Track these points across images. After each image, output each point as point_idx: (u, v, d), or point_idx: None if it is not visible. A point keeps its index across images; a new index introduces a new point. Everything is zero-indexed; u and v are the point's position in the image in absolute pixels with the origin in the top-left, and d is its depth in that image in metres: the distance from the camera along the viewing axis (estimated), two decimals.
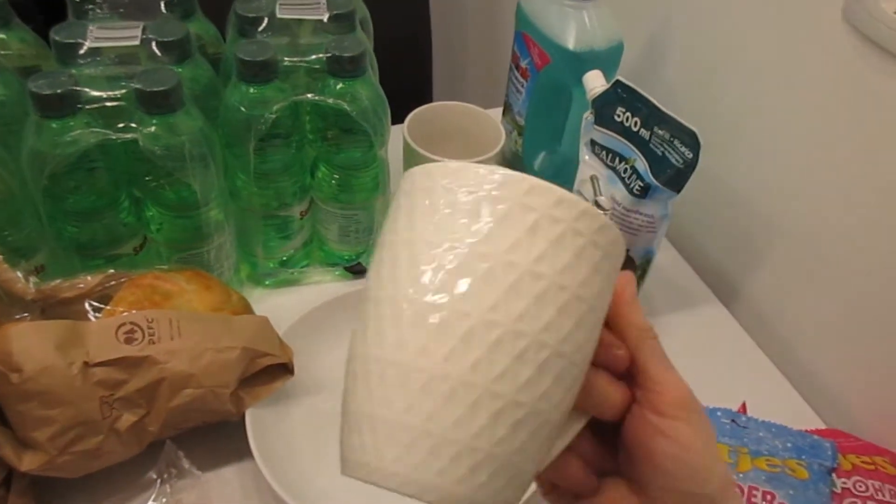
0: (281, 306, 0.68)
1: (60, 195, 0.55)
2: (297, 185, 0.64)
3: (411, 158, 0.71)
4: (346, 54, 0.57)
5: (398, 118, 0.65)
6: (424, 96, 1.17)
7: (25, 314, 0.51)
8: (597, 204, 0.58)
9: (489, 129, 0.73)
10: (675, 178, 0.58)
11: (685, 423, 0.32)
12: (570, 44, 0.65)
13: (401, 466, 0.26)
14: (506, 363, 0.26)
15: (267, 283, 0.70)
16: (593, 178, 0.61)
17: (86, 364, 0.49)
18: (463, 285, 0.26)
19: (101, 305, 0.53)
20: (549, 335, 0.26)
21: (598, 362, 0.31)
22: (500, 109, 0.81)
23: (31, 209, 0.57)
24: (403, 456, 0.26)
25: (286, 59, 0.59)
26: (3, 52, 0.60)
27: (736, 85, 0.71)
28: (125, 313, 0.52)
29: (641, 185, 0.60)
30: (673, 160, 0.58)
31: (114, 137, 0.53)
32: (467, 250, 0.26)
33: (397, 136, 0.69)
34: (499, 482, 0.27)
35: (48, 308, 0.53)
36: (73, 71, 0.56)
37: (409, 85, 1.02)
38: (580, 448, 0.33)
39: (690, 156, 0.57)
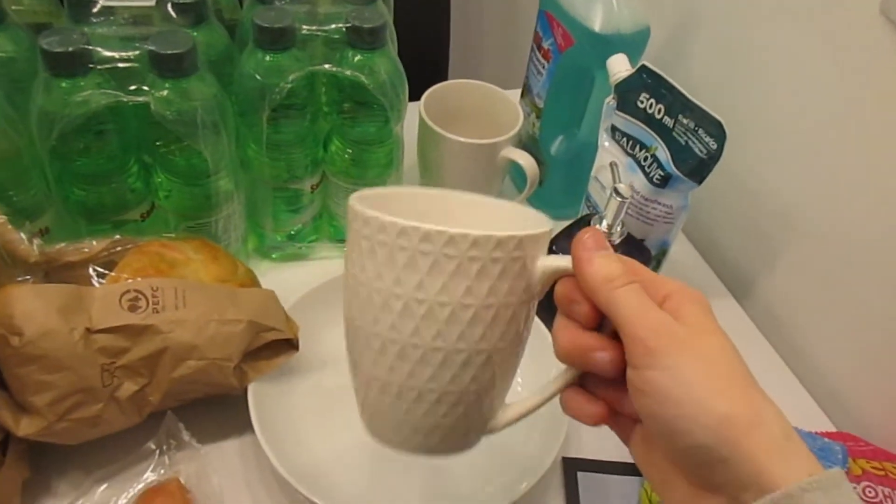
0: (287, 281, 0.67)
1: (68, 157, 0.54)
2: (310, 157, 0.63)
3: (427, 137, 0.69)
4: (366, 25, 0.56)
5: (413, 94, 0.63)
6: (440, 73, 1.15)
7: (28, 277, 0.50)
8: (615, 191, 0.56)
9: (507, 110, 0.72)
10: (698, 169, 0.57)
11: (657, 371, 0.29)
12: (596, 26, 0.63)
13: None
14: (432, 369, 0.33)
15: (274, 256, 0.69)
16: (612, 165, 0.59)
17: (88, 330, 0.48)
18: (389, 320, 0.33)
19: (106, 272, 0.52)
20: (444, 341, 0.33)
21: (576, 321, 0.33)
22: (518, 91, 0.79)
23: (38, 170, 0.56)
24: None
25: (304, 27, 0.57)
26: (14, 7, 0.58)
27: (764, 77, 0.69)
28: (129, 280, 0.51)
29: (662, 174, 0.59)
30: (696, 150, 0.56)
31: (125, 100, 0.52)
32: (388, 293, 0.33)
33: (412, 113, 0.67)
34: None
35: (51, 272, 0.52)
36: (86, 29, 0.54)
37: (425, 60, 1.00)
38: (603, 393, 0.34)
39: (715, 146, 0.55)
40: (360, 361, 0.36)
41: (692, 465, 0.30)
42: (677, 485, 0.31)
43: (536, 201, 0.74)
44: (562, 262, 0.33)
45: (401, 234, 0.32)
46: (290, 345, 0.55)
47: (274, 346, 0.55)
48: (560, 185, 0.74)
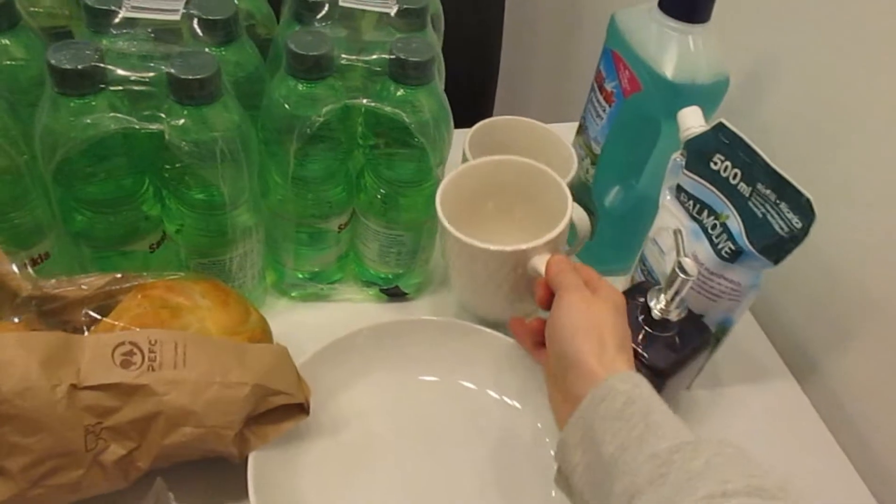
0: (305, 324, 0.62)
1: (72, 181, 0.49)
2: (339, 195, 0.57)
3: None
4: (412, 59, 0.50)
5: (457, 120, 0.57)
6: (487, 99, 1.08)
7: (14, 318, 0.45)
8: (679, 266, 0.49)
9: (559, 153, 0.65)
10: (775, 248, 0.50)
11: (559, 307, 0.48)
12: (669, 72, 0.56)
13: None
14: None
15: (293, 294, 0.63)
16: (677, 234, 0.52)
17: (73, 387, 0.42)
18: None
19: (99, 317, 0.46)
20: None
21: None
22: (564, 125, 0.72)
23: (40, 191, 0.51)
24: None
25: (343, 55, 0.51)
26: (31, 9, 0.54)
27: (852, 138, 0.61)
28: (126, 330, 0.46)
29: (732, 247, 0.52)
30: (776, 226, 0.49)
31: (137, 126, 0.47)
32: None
33: (457, 143, 0.60)
34: None
35: (46, 313, 0.47)
36: (104, 41, 0.49)
37: (472, 84, 0.94)
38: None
39: (799, 226, 0.48)
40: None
41: (560, 376, 0.47)
42: (560, 402, 0.47)
43: (584, 254, 0.68)
44: (540, 265, 0.53)
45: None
46: (300, 409, 0.50)
47: (282, 408, 0.49)
48: (611, 240, 0.67)
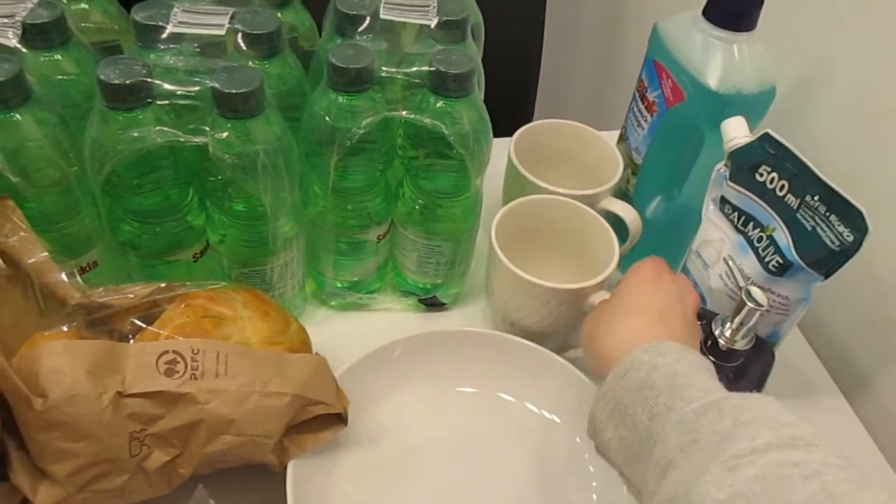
0: (344, 332, 0.62)
1: (120, 192, 0.50)
2: (378, 206, 0.57)
3: (517, 183, 0.62)
4: (451, 71, 0.50)
5: (496, 128, 0.57)
6: (527, 111, 1.08)
7: (63, 327, 0.46)
8: (748, 294, 0.48)
9: (605, 156, 0.65)
10: (826, 261, 0.49)
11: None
12: (713, 82, 0.55)
13: None
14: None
15: (333, 303, 0.64)
16: (728, 261, 0.51)
17: (119, 394, 0.43)
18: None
19: (144, 325, 0.47)
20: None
21: None
22: (605, 133, 0.72)
23: (89, 201, 0.52)
24: None
25: (384, 67, 0.51)
26: (82, 24, 0.55)
27: None
28: (169, 339, 0.46)
29: (780, 261, 0.51)
30: (826, 239, 0.48)
31: (182, 140, 0.47)
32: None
33: (497, 149, 0.60)
34: None
35: (95, 322, 0.48)
36: (152, 56, 0.50)
37: (511, 96, 0.94)
38: None
39: (851, 239, 0.47)
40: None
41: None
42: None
43: (624, 265, 0.67)
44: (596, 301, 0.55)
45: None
46: (339, 419, 0.50)
47: (320, 418, 0.49)
48: (651, 251, 0.65)
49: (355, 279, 0.63)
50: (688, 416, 0.37)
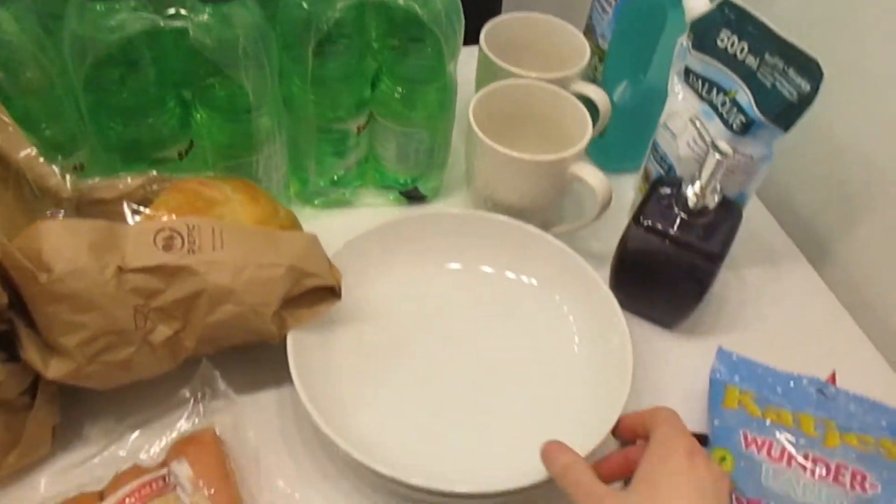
0: (330, 228, 0.63)
1: (102, 88, 0.51)
2: (356, 96, 0.58)
3: (489, 72, 0.64)
4: None
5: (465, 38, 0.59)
6: (493, 9, 1.09)
7: (60, 210, 0.47)
8: (714, 146, 0.50)
9: (572, 44, 0.67)
10: (786, 114, 0.51)
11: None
12: None
13: None
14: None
15: (316, 202, 0.66)
16: (694, 121, 0.53)
17: (120, 269, 0.44)
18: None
19: (140, 209, 0.49)
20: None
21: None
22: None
23: (72, 102, 0.53)
24: None
25: None
26: None
27: (863, 15, 0.62)
28: (165, 218, 0.48)
29: (743, 120, 0.53)
30: (786, 92, 0.51)
31: (162, 24, 0.48)
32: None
33: (465, 57, 0.62)
34: None
35: (83, 207, 0.49)
36: None
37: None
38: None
39: (808, 88, 0.50)
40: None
41: None
42: None
43: (595, 153, 0.69)
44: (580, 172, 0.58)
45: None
46: (333, 293, 0.52)
47: (315, 293, 0.51)
48: (621, 136, 0.69)
49: (337, 176, 0.64)
50: None
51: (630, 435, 0.45)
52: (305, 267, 0.49)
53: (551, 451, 0.43)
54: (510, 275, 0.60)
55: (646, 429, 0.43)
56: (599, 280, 0.55)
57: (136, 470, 0.45)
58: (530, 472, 0.44)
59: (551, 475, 0.42)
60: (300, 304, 0.51)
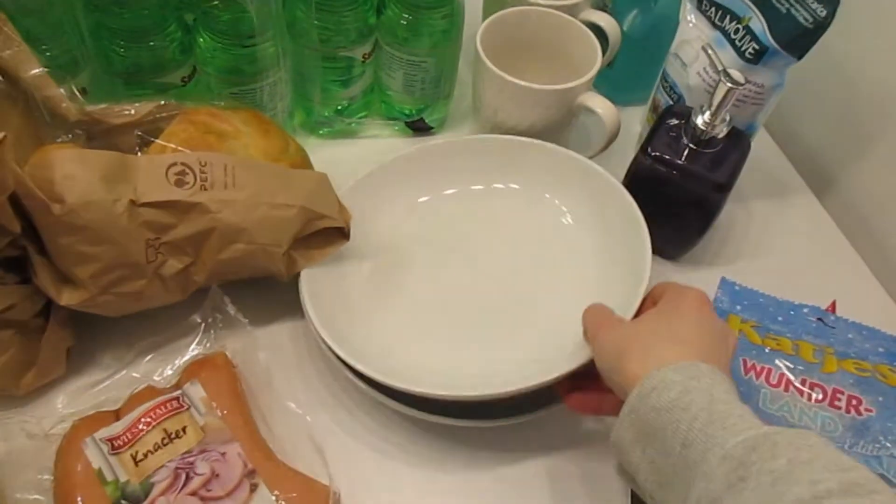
0: (336, 159, 0.63)
1: (102, 9, 0.50)
2: (361, 22, 0.57)
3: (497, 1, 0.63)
4: None
5: None
6: None
7: (69, 136, 0.47)
8: (726, 74, 0.50)
9: None
10: (800, 41, 0.51)
11: (593, 343, 0.43)
12: None
13: None
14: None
15: (322, 132, 0.65)
16: (706, 48, 0.52)
17: (132, 202, 0.44)
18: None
19: (151, 138, 0.48)
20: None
21: None
22: None
23: (73, 23, 0.51)
24: None
25: None
26: None
27: None
28: (177, 152, 0.47)
29: (756, 48, 0.53)
30: (801, 18, 0.50)
31: None
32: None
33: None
34: None
35: (93, 134, 0.48)
36: None
37: None
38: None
39: (823, 13, 0.49)
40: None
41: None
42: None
43: (603, 84, 0.68)
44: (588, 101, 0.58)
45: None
46: (342, 233, 0.52)
47: (324, 233, 0.51)
48: (631, 67, 0.68)
49: (342, 106, 0.63)
50: (735, 448, 0.33)
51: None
52: (316, 208, 0.49)
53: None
54: (499, 185, 0.59)
55: (654, 300, 0.45)
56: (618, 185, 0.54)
57: (151, 391, 0.47)
58: (545, 374, 0.45)
59: (584, 325, 0.45)
60: (310, 244, 0.51)
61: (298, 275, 0.51)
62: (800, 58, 0.52)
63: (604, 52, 0.62)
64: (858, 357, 0.53)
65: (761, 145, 0.70)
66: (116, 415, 0.45)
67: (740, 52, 0.54)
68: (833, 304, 0.57)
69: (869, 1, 0.61)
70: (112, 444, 0.43)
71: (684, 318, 0.41)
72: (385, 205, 0.58)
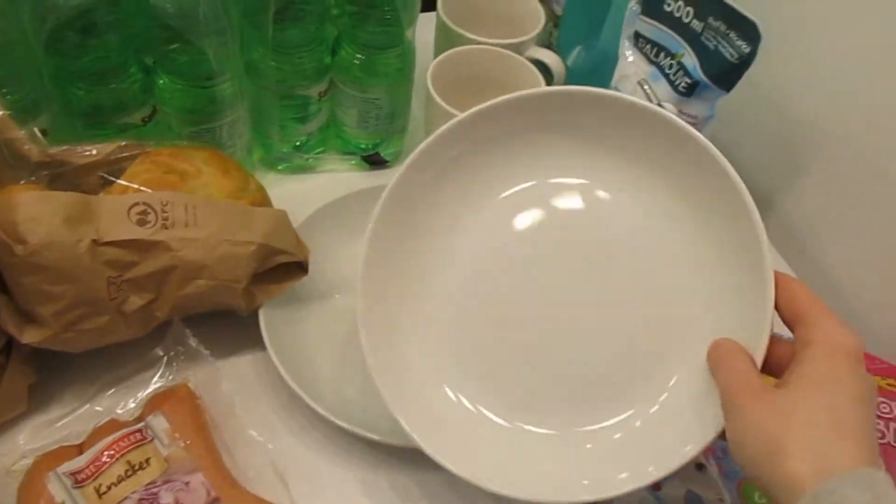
0: (294, 194, 0.65)
1: (63, 53, 0.51)
2: (317, 62, 0.59)
3: (447, 39, 0.66)
4: None
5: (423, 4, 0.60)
6: None
7: (32, 178, 0.48)
8: (661, 108, 0.53)
9: (527, 10, 0.68)
10: (727, 75, 0.54)
11: (729, 414, 0.36)
12: None
13: None
14: None
15: (280, 167, 0.67)
16: (642, 84, 0.56)
17: (95, 242, 0.45)
18: None
19: (113, 179, 0.49)
20: None
21: None
22: None
23: (33, 66, 0.53)
24: None
25: None
26: None
27: None
28: (139, 192, 0.49)
29: (689, 81, 0.56)
30: (727, 54, 0.54)
31: None
32: None
33: (423, 25, 0.63)
34: None
35: (56, 176, 0.50)
36: None
37: None
38: None
39: (747, 50, 0.52)
40: None
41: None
42: None
43: None
44: None
45: None
46: (300, 267, 0.54)
47: (283, 267, 0.53)
48: None
49: (300, 142, 0.66)
50: None
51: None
52: (275, 244, 0.51)
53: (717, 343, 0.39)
54: None
55: (799, 319, 0.38)
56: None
57: (114, 424, 0.48)
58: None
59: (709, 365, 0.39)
60: (269, 279, 0.52)
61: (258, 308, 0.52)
62: (728, 90, 0.55)
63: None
64: None
65: None
66: (79, 449, 0.46)
67: (674, 86, 0.57)
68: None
69: (791, 36, 0.66)
70: (75, 478, 0.44)
71: (849, 394, 0.34)
72: (339, 239, 0.59)
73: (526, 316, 0.45)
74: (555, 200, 0.47)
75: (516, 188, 0.48)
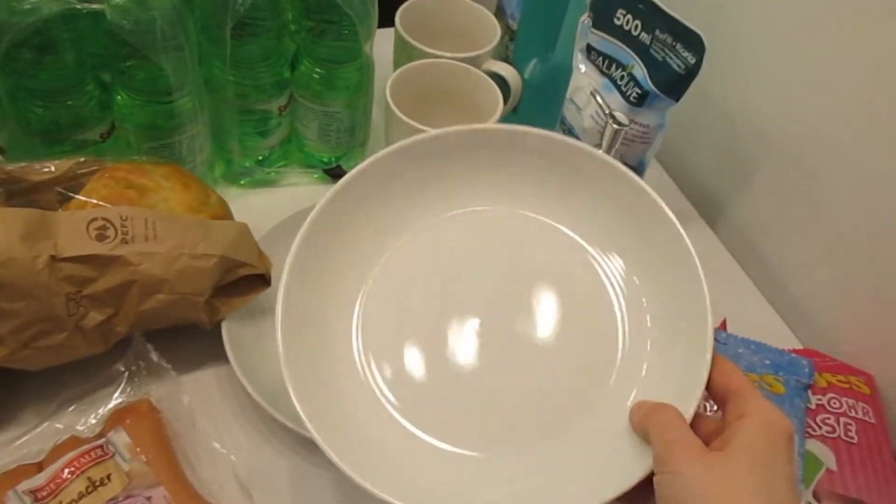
0: (256, 208, 0.65)
1: (20, 71, 0.51)
2: (276, 76, 0.60)
3: (405, 53, 0.67)
4: None
5: (381, 20, 0.61)
6: None
7: None
8: (613, 118, 0.55)
9: (483, 25, 0.70)
10: (675, 85, 0.56)
11: (664, 476, 0.35)
12: None
13: None
14: None
15: (242, 182, 0.67)
16: (594, 95, 0.58)
17: (53, 258, 0.45)
18: None
19: (72, 195, 0.49)
20: None
21: None
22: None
23: None
24: None
25: None
26: None
27: None
28: (97, 207, 0.49)
29: (639, 92, 0.58)
30: (674, 66, 0.55)
31: (79, 7, 0.49)
32: None
33: (382, 40, 0.65)
34: None
35: (14, 192, 0.49)
36: None
37: None
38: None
39: (693, 61, 0.54)
40: None
41: None
42: None
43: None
44: None
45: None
46: (263, 280, 0.54)
47: (246, 280, 0.53)
48: (533, 111, 0.73)
49: (261, 156, 0.66)
50: None
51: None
52: (236, 256, 0.51)
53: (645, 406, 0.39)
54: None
55: (732, 393, 0.38)
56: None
57: (74, 441, 0.47)
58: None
59: (643, 431, 0.38)
60: (231, 292, 0.53)
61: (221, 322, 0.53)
62: (677, 99, 0.57)
63: (506, 100, 0.66)
64: (747, 369, 0.57)
65: (657, 179, 0.76)
66: (39, 466, 0.45)
67: (626, 97, 0.59)
68: (724, 322, 0.62)
69: (736, 46, 0.68)
70: (35, 496, 0.44)
71: (785, 475, 0.34)
72: None
73: (454, 345, 0.45)
74: (488, 228, 0.47)
75: (450, 213, 0.48)
